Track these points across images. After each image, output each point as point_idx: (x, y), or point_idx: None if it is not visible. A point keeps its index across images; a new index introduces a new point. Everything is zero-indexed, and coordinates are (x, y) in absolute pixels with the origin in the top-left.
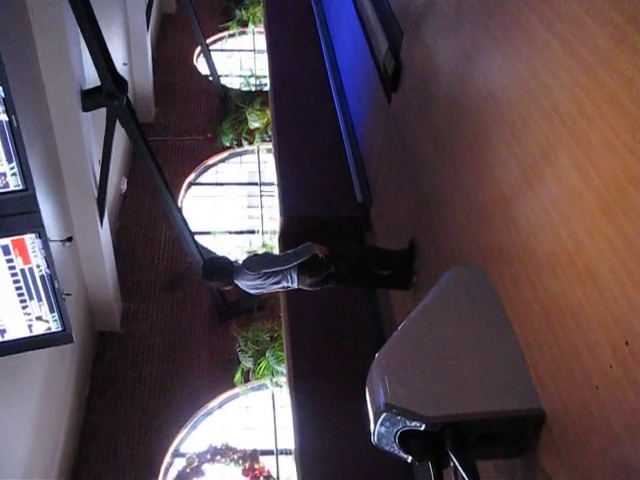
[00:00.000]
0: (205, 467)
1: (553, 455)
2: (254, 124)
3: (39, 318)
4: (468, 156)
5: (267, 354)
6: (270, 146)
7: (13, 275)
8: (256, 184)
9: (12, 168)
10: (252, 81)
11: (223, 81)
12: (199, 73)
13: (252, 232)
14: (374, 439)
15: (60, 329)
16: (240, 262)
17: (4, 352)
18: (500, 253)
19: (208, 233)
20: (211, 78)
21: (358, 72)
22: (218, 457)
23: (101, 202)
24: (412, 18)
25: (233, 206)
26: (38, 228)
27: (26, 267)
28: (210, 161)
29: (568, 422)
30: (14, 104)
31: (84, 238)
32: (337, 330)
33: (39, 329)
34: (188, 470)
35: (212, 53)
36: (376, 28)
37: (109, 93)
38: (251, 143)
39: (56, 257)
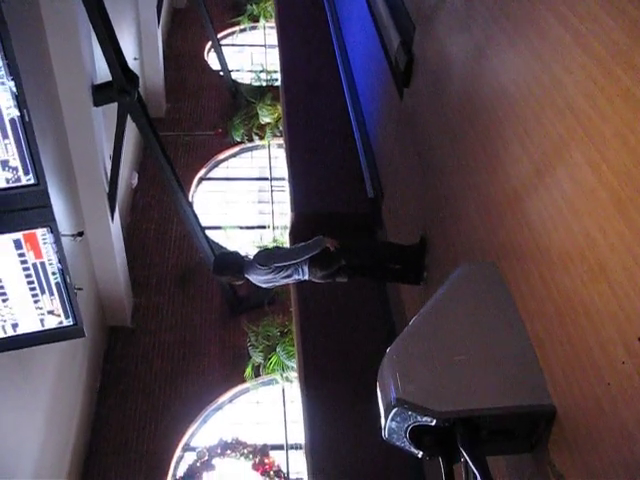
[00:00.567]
0: (215, 461)
1: (564, 451)
2: (265, 119)
3: (51, 312)
4: (480, 152)
5: (277, 349)
6: (281, 141)
7: (25, 269)
8: (267, 179)
9: (24, 162)
10: (263, 76)
11: (234, 76)
12: (210, 68)
13: (263, 227)
14: (385, 434)
15: (72, 323)
16: (250, 257)
17: (16, 346)
18: (512, 249)
19: (219, 228)
20: (222, 73)
21: (370, 67)
22: (228, 451)
23: (112, 197)
24: (424, 12)
25: (244, 201)
26: (50, 222)
27: (38, 261)
28: (221, 156)
29: (580, 418)
30: (26, 99)
31: (95, 233)
32: (348, 325)
33: (51, 323)
34: (198, 464)
35: (223, 48)
36: (388, 22)
37: (120, 88)
38: (262, 138)
39: (67, 251)
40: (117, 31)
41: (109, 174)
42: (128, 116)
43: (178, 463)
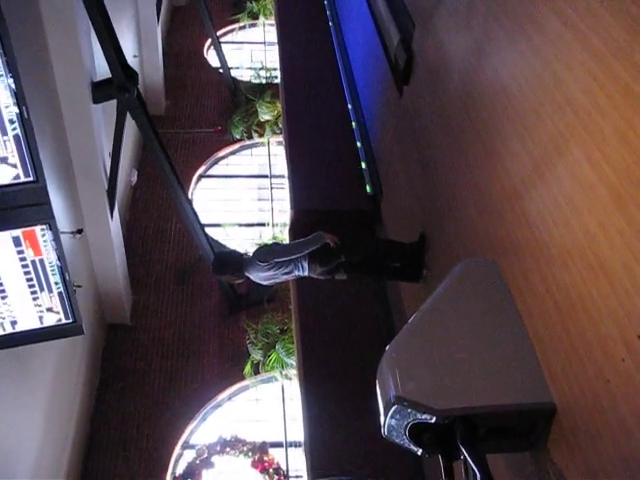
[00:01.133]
0: (215, 459)
1: (564, 449)
2: (264, 117)
3: (50, 309)
4: (479, 149)
5: (277, 346)
6: (280, 139)
7: (24, 267)
8: (266, 177)
9: (23, 160)
10: (262, 73)
11: (233, 73)
12: (209, 65)
13: (262, 225)
14: (384, 432)
15: (71, 321)
16: (249, 255)
17: (15, 343)
18: (511, 246)
19: (218, 225)
20: (221, 70)
21: (369, 64)
22: (228, 449)
23: (111, 194)
24: (424, 10)
25: (243, 199)
26: (49, 220)
27: (37, 259)
28: (220, 153)
29: (579, 416)
30: (25, 96)
31: (94, 230)
32: (347, 323)
33: (50, 320)
34: (198, 462)
35: (222, 45)
36: (387, 20)
37: (120, 85)
38: (261, 136)
39: (66, 249)
40: (116, 28)
41: (108, 171)
42: (127, 113)
43: (177, 461)
